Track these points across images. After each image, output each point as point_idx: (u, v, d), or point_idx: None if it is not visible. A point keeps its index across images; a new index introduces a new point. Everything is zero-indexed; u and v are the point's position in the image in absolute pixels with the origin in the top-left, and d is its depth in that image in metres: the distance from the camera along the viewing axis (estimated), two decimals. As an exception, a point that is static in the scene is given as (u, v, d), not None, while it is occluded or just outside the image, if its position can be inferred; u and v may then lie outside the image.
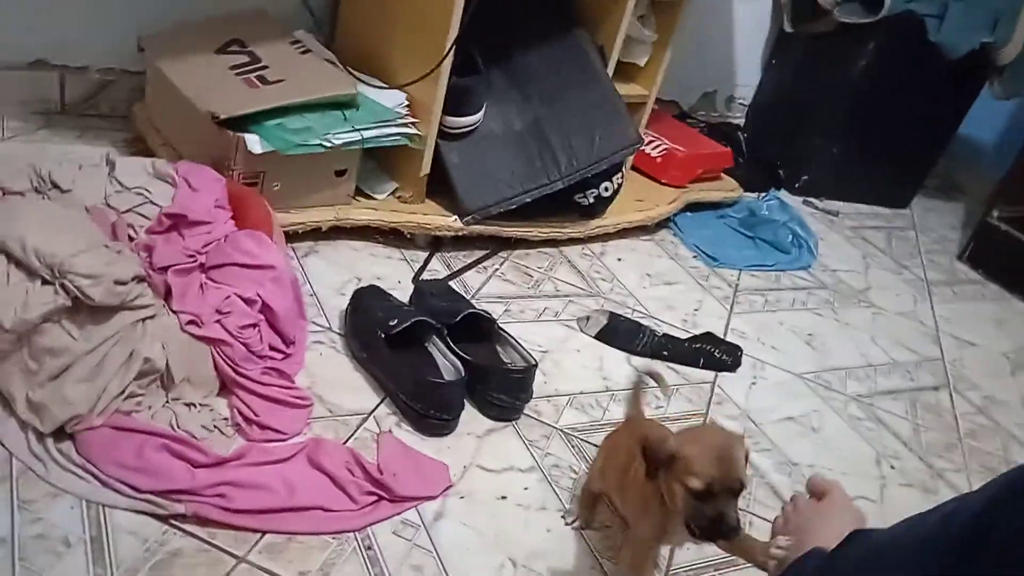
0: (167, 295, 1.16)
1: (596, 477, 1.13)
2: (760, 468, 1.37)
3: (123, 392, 1.05)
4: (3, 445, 1.00)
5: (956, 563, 0.59)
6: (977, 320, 2.18)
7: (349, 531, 1.04)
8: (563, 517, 1.16)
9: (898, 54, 2.44)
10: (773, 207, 2.25)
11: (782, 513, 0.90)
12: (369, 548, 1.04)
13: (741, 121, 2.83)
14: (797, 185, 2.61)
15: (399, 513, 1.09)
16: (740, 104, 2.91)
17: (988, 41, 2.40)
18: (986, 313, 2.24)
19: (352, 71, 1.60)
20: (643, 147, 2.13)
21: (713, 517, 0.87)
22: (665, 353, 1.59)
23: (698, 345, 1.62)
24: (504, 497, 1.17)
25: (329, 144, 1.44)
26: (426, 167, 1.64)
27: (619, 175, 1.88)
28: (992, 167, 2.81)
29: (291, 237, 1.52)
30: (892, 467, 1.49)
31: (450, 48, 1.52)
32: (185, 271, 1.19)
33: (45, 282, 1.02)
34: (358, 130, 1.49)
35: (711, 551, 1.04)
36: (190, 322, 1.14)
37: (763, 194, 2.37)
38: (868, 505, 1.38)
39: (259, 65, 1.53)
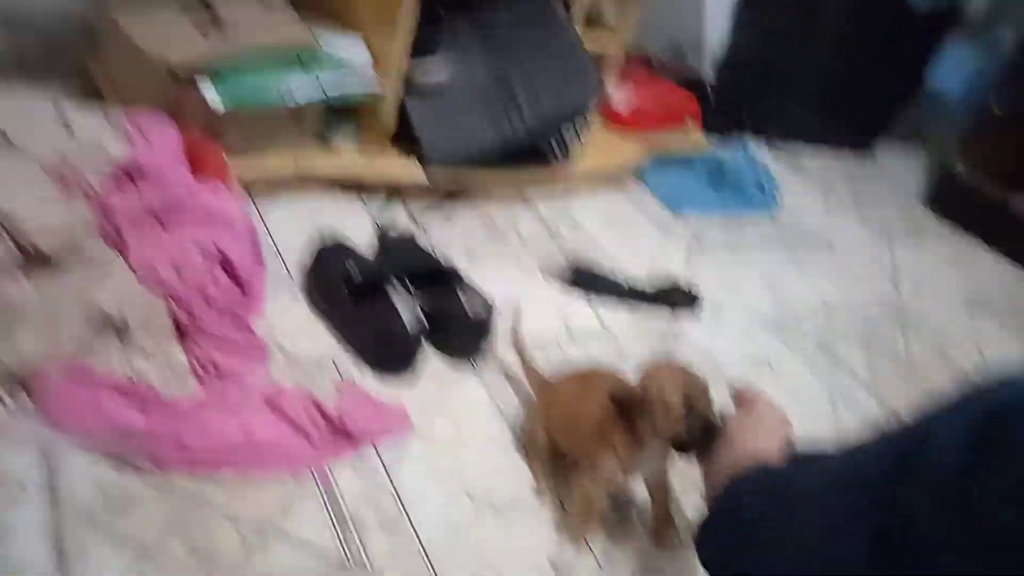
0: (122, 246, 1.17)
1: (539, 437, 1.17)
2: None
3: (78, 343, 1.06)
4: (-40, 395, 1.01)
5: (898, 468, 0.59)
6: (936, 265, 2.22)
7: (308, 472, 1.07)
8: (538, 496, 1.16)
9: (867, 4, 2.44)
10: (738, 154, 2.26)
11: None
12: (328, 488, 1.06)
13: (709, 70, 2.81)
14: (763, 132, 2.61)
15: (358, 455, 1.11)
16: (708, 54, 2.89)
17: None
18: (945, 258, 2.28)
19: (314, 23, 1.59)
20: (609, 98, 2.13)
21: (703, 427, 0.96)
22: (627, 298, 1.62)
23: (660, 290, 1.65)
24: (462, 437, 1.20)
25: (289, 97, 1.44)
26: (388, 117, 1.64)
27: (584, 124, 1.88)
28: (958, 116, 2.83)
29: (251, 188, 1.51)
30: (846, 405, 1.53)
31: (409, -3, 1.50)
32: (140, 222, 1.19)
33: (-4, 233, 1.02)
34: (319, 84, 1.48)
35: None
36: (145, 272, 1.14)
37: (728, 142, 2.38)
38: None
39: (215, 15, 1.51)
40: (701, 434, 0.96)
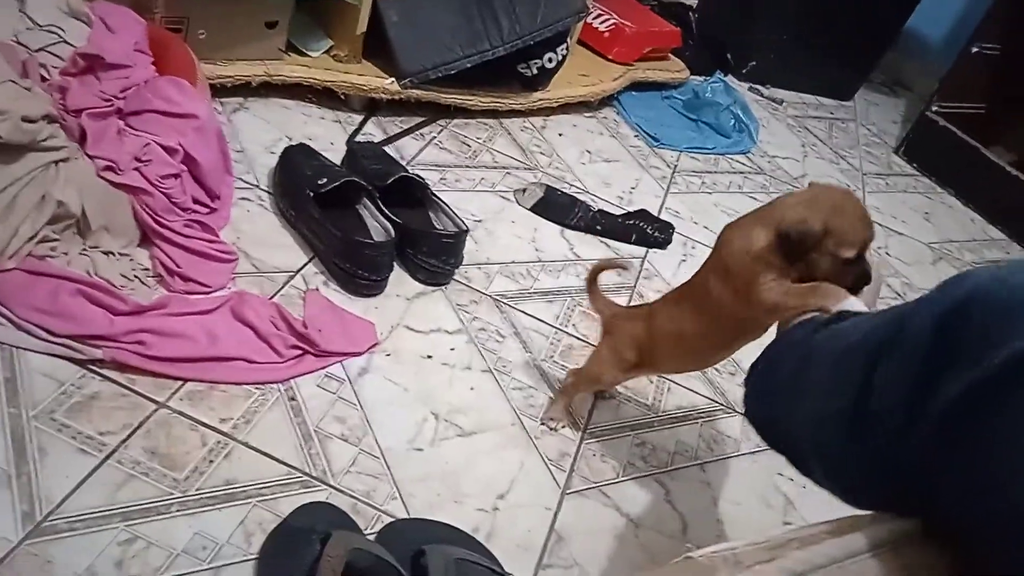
0: (82, 139, 1.11)
1: (615, 370, 1.11)
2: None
3: (35, 236, 1.02)
4: (-91, 285, 0.97)
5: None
6: (906, 211, 2.24)
7: (273, 382, 1.05)
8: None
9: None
10: (718, 90, 2.24)
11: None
12: (292, 399, 1.05)
13: (693, 2, 2.76)
14: (744, 71, 2.59)
15: (324, 367, 1.10)
16: (694, -17, 2.84)
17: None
18: (916, 205, 2.30)
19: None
20: (591, 21, 2.08)
21: (862, 275, 0.86)
22: (599, 228, 1.60)
23: (632, 222, 1.63)
24: (430, 356, 1.19)
25: (259, -9, 1.37)
26: (363, 24, 1.57)
27: (564, 47, 1.83)
28: (938, 63, 2.83)
29: (219, 91, 1.46)
30: (809, 343, 1.54)
31: None
32: (101, 115, 1.13)
33: (-53, 116, 0.97)
34: (291, -21, 1.42)
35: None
36: (107, 168, 1.10)
37: (709, 77, 2.34)
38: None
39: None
40: (856, 281, 0.85)
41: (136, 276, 1.09)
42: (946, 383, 0.55)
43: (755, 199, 1.98)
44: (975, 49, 2.42)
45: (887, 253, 1.98)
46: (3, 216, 0.99)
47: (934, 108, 2.50)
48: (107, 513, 0.85)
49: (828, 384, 0.69)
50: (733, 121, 2.19)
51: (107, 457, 0.89)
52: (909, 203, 2.30)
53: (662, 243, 1.64)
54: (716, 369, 1.38)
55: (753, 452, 1.26)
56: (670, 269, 1.60)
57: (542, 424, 1.15)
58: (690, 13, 2.56)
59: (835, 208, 0.86)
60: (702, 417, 1.29)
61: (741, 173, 2.07)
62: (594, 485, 1.11)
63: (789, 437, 0.73)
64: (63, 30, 1.20)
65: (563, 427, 1.16)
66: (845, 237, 0.85)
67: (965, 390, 0.53)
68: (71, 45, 1.19)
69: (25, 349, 0.96)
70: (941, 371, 0.56)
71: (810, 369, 0.71)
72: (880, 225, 2.09)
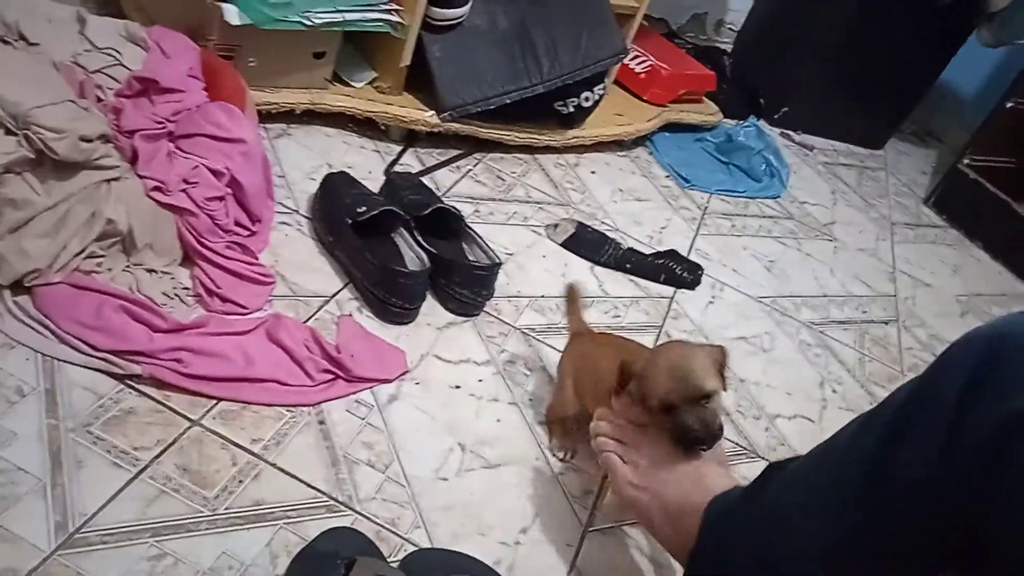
0: (133, 159, 1.15)
1: (569, 400, 1.15)
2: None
3: (83, 251, 1.05)
4: (-41, 293, 1.00)
5: (894, 432, 0.63)
6: (934, 262, 2.23)
7: (304, 405, 1.07)
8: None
9: (890, -8, 2.42)
10: (750, 134, 2.25)
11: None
12: (322, 423, 1.06)
13: (728, 46, 2.80)
14: (776, 116, 2.61)
15: (354, 392, 1.11)
16: (729, 29, 2.88)
17: (981, -14, 2.38)
18: (944, 257, 2.29)
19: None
20: (628, 62, 2.11)
21: (681, 429, 0.89)
22: (628, 266, 1.62)
23: (661, 261, 1.65)
24: (458, 387, 1.20)
25: (309, 22, 1.41)
26: (407, 58, 1.61)
27: (601, 86, 1.86)
28: (970, 116, 2.83)
29: (264, 117, 1.49)
30: (834, 391, 1.54)
31: (440, -66, 1.47)
32: (153, 137, 1.17)
33: (9, 132, 1.00)
34: (340, 11, 1.45)
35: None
36: (155, 188, 1.13)
37: (742, 121, 2.36)
38: (807, 425, 1.43)
39: (241, -66, 1.47)
40: (680, 436, 0.89)
41: (177, 294, 1.11)
42: (980, 421, 0.57)
43: (784, 244, 1.98)
44: (1010, 104, 2.42)
45: (913, 305, 1.98)
46: (54, 231, 1.02)
47: (966, 161, 2.50)
48: (138, 528, 0.86)
49: (823, 500, 0.71)
50: (764, 165, 2.21)
51: (140, 472, 0.91)
52: (938, 255, 2.29)
53: (691, 284, 1.65)
54: (740, 412, 1.38)
55: (776, 499, 1.25)
56: (698, 310, 1.60)
57: (554, 455, 1.16)
58: (725, 57, 2.59)
59: (655, 359, 0.94)
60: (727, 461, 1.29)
61: (771, 217, 2.08)
62: (616, 524, 1.11)
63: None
64: (120, 53, 1.24)
65: (570, 456, 1.16)
66: (648, 385, 0.91)
67: (1001, 425, 0.55)
68: (127, 68, 1.23)
69: (66, 362, 0.98)
70: (974, 412, 0.57)
71: (790, 517, 0.73)
72: (908, 276, 2.09)
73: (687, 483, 0.87)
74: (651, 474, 0.90)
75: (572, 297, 1.25)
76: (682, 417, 0.89)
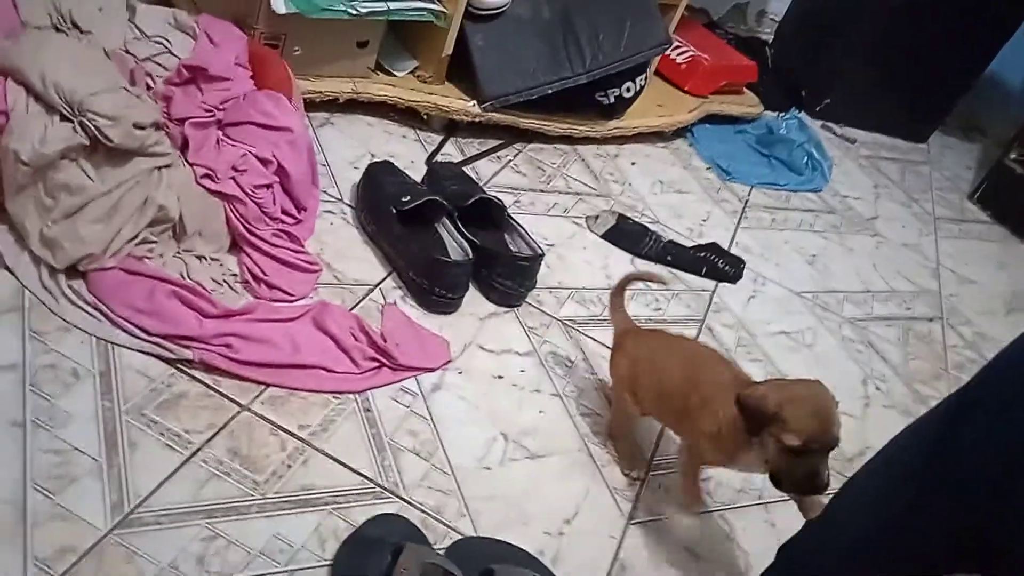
0: (183, 147, 1.16)
1: (633, 414, 1.12)
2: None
3: (136, 237, 1.06)
4: (16, 277, 1.02)
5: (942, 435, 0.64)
6: (979, 259, 2.19)
7: (350, 392, 1.08)
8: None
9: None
10: (792, 127, 2.23)
11: None
12: (368, 410, 1.07)
13: (770, 37, 2.76)
14: (818, 108, 2.57)
15: (399, 381, 1.12)
16: (771, 19, 2.84)
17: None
18: (989, 253, 2.25)
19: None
20: (669, 53, 2.09)
21: (806, 474, 0.88)
22: (669, 258, 1.61)
23: (703, 254, 1.63)
24: (500, 376, 1.20)
25: (354, 12, 1.41)
26: (449, 47, 1.61)
27: (642, 77, 1.85)
28: (1016, 110, 2.77)
29: (307, 106, 1.49)
30: (877, 388, 1.52)
31: (485, -77, 1.47)
32: (202, 125, 1.18)
33: (64, 118, 1.02)
34: (384, 0, 1.45)
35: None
36: (205, 176, 1.14)
37: (783, 113, 2.34)
38: (850, 422, 1.40)
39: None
40: (802, 480, 0.90)
41: (225, 281, 1.13)
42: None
43: (826, 238, 1.96)
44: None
45: (958, 302, 1.94)
46: (108, 216, 1.04)
47: (1012, 156, 2.45)
48: (191, 510, 0.87)
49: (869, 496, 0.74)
50: (806, 158, 2.18)
51: (192, 455, 0.93)
52: (982, 251, 2.25)
53: (732, 277, 1.64)
54: (783, 408, 1.37)
55: (819, 495, 1.24)
56: (739, 304, 1.59)
57: (626, 475, 1.14)
58: (766, 48, 2.56)
59: (796, 397, 0.90)
60: (768, 456, 1.28)
61: (812, 211, 2.06)
62: (659, 517, 1.11)
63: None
64: (169, 42, 1.26)
65: (638, 475, 1.14)
66: (789, 424, 0.88)
67: None
68: (176, 56, 1.24)
69: (120, 345, 1.00)
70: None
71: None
72: (952, 272, 2.06)
73: None
74: None
75: (620, 291, 1.20)
76: (816, 465, 0.88)
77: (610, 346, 1.20)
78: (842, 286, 1.80)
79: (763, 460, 0.93)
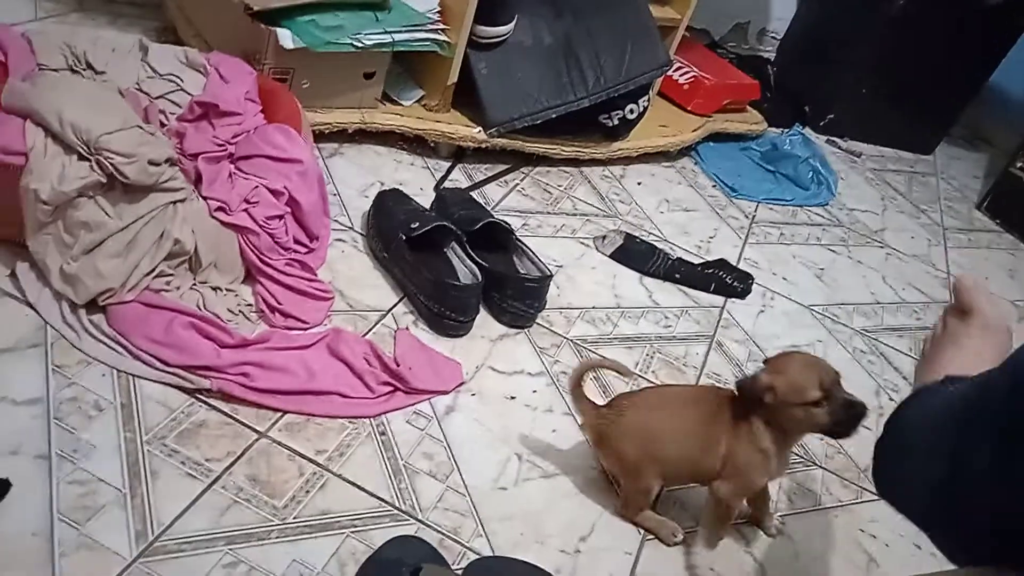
0: (197, 181, 1.19)
1: (653, 485, 1.07)
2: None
3: (153, 270, 1.09)
4: (38, 313, 1.05)
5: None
6: (989, 268, 2.19)
7: (365, 417, 1.09)
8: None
9: (936, -5, 2.39)
10: (796, 142, 2.24)
11: (932, 333, 0.89)
12: (383, 434, 1.08)
13: (772, 55, 2.79)
14: (822, 123, 2.59)
15: (413, 404, 1.14)
16: (772, 38, 2.87)
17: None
18: (999, 262, 2.26)
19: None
20: (671, 73, 2.12)
21: (846, 408, 0.97)
22: (677, 276, 1.62)
23: (711, 270, 1.65)
24: (513, 397, 1.22)
25: (359, 44, 1.44)
26: (454, 75, 1.64)
27: (645, 98, 1.87)
28: (1021, 118, 2.78)
29: (317, 137, 1.53)
30: (891, 399, 1.53)
31: (485, -45, 1.50)
32: (215, 159, 1.21)
33: (81, 157, 1.05)
34: (389, 32, 1.49)
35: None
36: (218, 208, 1.17)
37: (787, 129, 2.35)
38: (865, 433, 1.40)
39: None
40: (846, 418, 0.97)
41: (241, 311, 1.15)
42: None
43: (833, 251, 1.97)
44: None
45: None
46: (125, 252, 1.07)
47: (1019, 164, 2.46)
48: (213, 536, 0.89)
49: (926, 447, 0.70)
50: (811, 173, 2.20)
51: (213, 482, 0.94)
52: (992, 259, 2.26)
53: (741, 293, 1.65)
54: (796, 421, 1.38)
55: (834, 507, 1.25)
56: (749, 319, 1.60)
57: (670, 544, 1.09)
58: (768, 66, 2.59)
59: (782, 366, 1.00)
60: (782, 469, 1.28)
61: (819, 225, 2.07)
62: (674, 532, 1.11)
63: (906, 500, 0.74)
64: (181, 79, 1.29)
65: (681, 535, 1.09)
66: (794, 385, 0.97)
67: None
68: (188, 93, 1.28)
69: (140, 377, 1.02)
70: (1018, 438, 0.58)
71: (912, 432, 0.73)
72: (963, 281, 2.06)
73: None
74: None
75: (578, 382, 1.09)
76: (844, 397, 0.98)
77: (638, 371, 1.23)
78: (851, 298, 1.81)
79: (791, 438, 1.04)
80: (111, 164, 1.04)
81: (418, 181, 1.61)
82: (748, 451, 1.02)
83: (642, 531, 1.09)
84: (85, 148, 1.05)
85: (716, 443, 1.04)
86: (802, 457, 1.32)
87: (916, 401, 0.77)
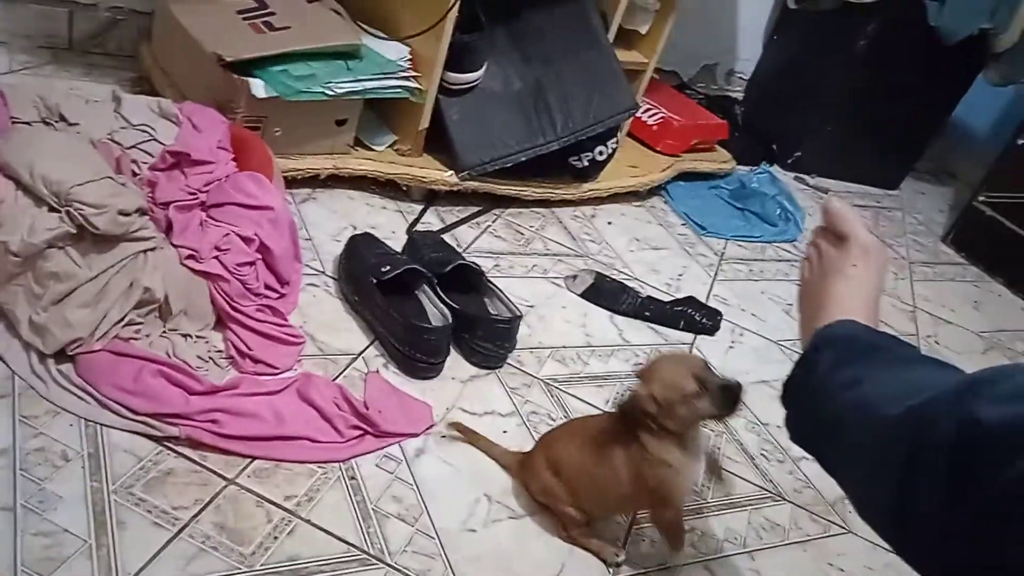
0: (168, 230, 1.21)
1: (578, 511, 1.10)
2: (731, 426, 1.43)
3: (123, 319, 1.10)
4: (6, 363, 1.05)
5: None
6: (955, 300, 2.24)
7: (334, 461, 1.10)
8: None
9: (898, 36, 2.46)
10: (763, 180, 2.29)
11: (807, 261, 0.90)
12: (353, 478, 1.09)
13: (740, 95, 2.86)
14: (790, 161, 2.65)
15: (383, 447, 1.14)
16: (740, 78, 2.94)
17: (987, 27, 2.42)
18: (964, 294, 2.30)
19: (357, 22, 1.63)
20: (640, 114, 2.17)
21: (723, 392, 0.99)
22: (647, 314, 1.64)
23: (680, 308, 1.67)
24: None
25: (331, 92, 1.47)
26: (425, 121, 1.67)
27: (614, 140, 1.91)
28: (985, 153, 2.85)
29: (290, 183, 1.55)
30: (858, 433, 1.55)
31: (454, 3, 1.54)
32: (186, 208, 1.23)
33: (52, 209, 1.06)
34: (360, 80, 1.52)
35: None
36: (189, 256, 1.18)
37: (755, 168, 2.40)
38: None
39: (266, 11, 1.55)
40: (726, 400, 0.99)
41: (211, 357, 1.16)
42: (970, 496, 0.58)
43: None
44: (1021, 141, 2.45)
45: (936, 342, 1.98)
46: (95, 301, 1.08)
47: (981, 198, 2.52)
48: (179, 585, 0.89)
49: (870, 468, 0.70)
50: (779, 210, 2.24)
51: (180, 531, 0.94)
52: (958, 292, 2.30)
53: (710, 329, 1.68)
54: (764, 455, 1.40)
55: (803, 541, 1.26)
56: (718, 355, 1.62)
57: (611, 564, 1.11)
58: (736, 106, 2.65)
59: (651, 373, 1.02)
60: (751, 504, 1.30)
61: (787, 261, 2.11)
62: (644, 570, 1.12)
63: (837, 478, 0.75)
64: (154, 129, 1.32)
65: (622, 556, 1.11)
66: (669, 385, 0.99)
67: (988, 502, 0.56)
68: (160, 143, 1.30)
69: (108, 426, 1.02)
70: (965, 485, 0.59)
71: (844, 435, 0.72)
72: (928, 314, 2.10)
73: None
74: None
75: (472, 434, 1.19)
76: (718, 381, 0.99)
77: (609, 409, 1.26)
78: (820, 333, 1.83)
79: (686, 438, 1.03)
80: (81, 215, 1.06)
81: (391, 225, 1.64)
82: (653, 471, 1.02)
83: (611, 570, 1.10)
84: (56, 200, 1.07)
85: (616, 473, 1.05)
86: (771, 492, 1.33)
87: (840, 373, 0.75)
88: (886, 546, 0.68)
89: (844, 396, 0.74)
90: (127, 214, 1.09)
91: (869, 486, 0.71)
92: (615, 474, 1.05)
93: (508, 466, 1.18)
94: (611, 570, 1.10)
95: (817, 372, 0.78)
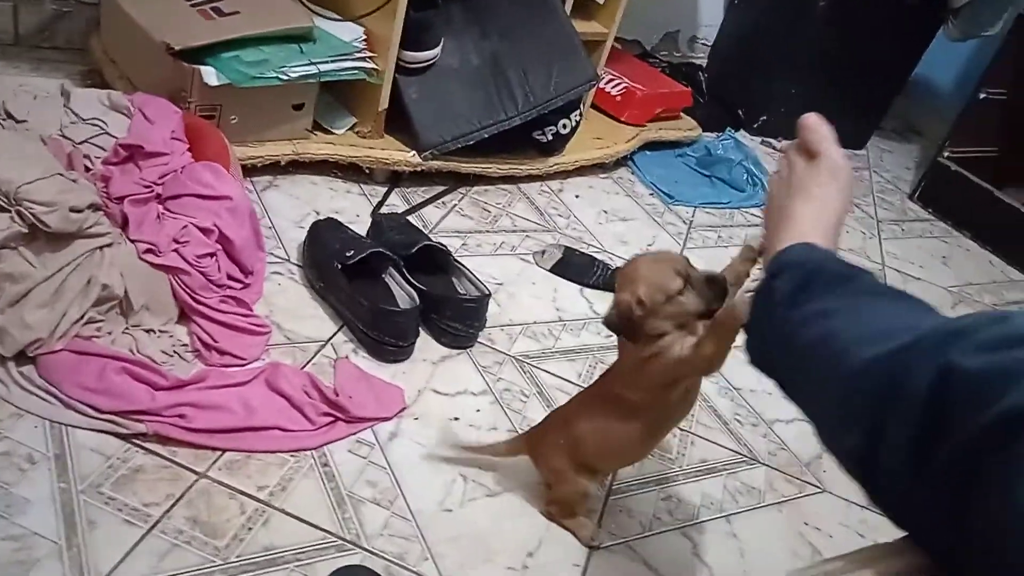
0: (124, 224, 1.19)
1: (580, 483, 1.08)
2: (704, 392, 1.44)
3: (82, 318, 1.08)
4: (-35, 368, 1.03)
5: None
6: (923, 256, 2.26)
7: (306, 449, 1.09)
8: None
9: (858, -6, 2.47)
10: (729, 146, 2.29)
11: (777, 174, 0.88)
12: (326, 465, 1.09)
13: (703, 62, 2.85)
14: (755, 125, 2.65)
15: (355, 433, 1.14)
16: (703, 44, 2.93)
17: (944, -18, 2.43)
18: (933, 249, 2.32)
19: (309, 4, 1.60)
20: (603, 85, 2.16)
21: (709, 285, 0.92)
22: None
23: (650, 278, 1.67)
24: (456, 418, 1.23)
25: (285, 77, 1.45)
26: (384, 102, 1.65)
27: (577, 112, 1.90)
28: (949, 109, 2.87)
29: (250, 171, 1.53)
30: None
31: (406, -19, 1.52)
32: (142, 201, 1.21)
33: (2, 209, 1.04)
34: (315, 63, 1.50)
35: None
36: (147, 251, 1.16)
37: (721, 134, 2.40)
38: (806, 427, 1.44)
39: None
40: (713, 293, 0.92)
41: (176, 352, 1.15)
42: (941, 446, 0.58)
43: (771, 251, 2.01)
44: (983, 95, 2.46)
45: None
46: (52, 300, 1.06)
47: (946, 154, 2.54)
48: (153, 582, 0.89)
49: (836, 410, 0.68)
50: (746, 175, 2.24)
51: (151, 527, 0.94)
52: (926, 248, 2.32)
53: (680, 299, 1.68)
54: (738, 420, 1.41)
55: (778, 503, 1.27)
56: (689, 324, 1.63)
57: (591, 546, 1.11)
58: (700, 72, 2.64)
59: (630, 276, 0.94)
60: (726, 469, 1.31)
61: (757, 225, 2.11)
62: (622, 540, 1.13)
63: (797, 404, 0.74)
64: (105, 123, 1.29)
65: (598, 539, 1.11)
66: (654, 284, 0.92)
67: (959, 451, 0.56)
68: (113, 136, 1.27)
69: (73, 426, 1.01)
70: (938, 434, 0.58)
71: (810, 369, 0.70)
72: (897, 271, 2.12)
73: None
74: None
75: (475, 451, 1.16)
76: (702, 275, 0.92)
77: (581, 382, 1.25)
78: (790, 296, 1.84)
79: (683, 324, 0.94)
80: (32, 214, 1.04)
81: (355, 208, 1.62)
82: (658, 360, 0.96)
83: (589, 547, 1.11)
84: (5, 200, 1.04)
85: (635, 410, 1.02)
86: (746, 456, 1.34)
87: (806, 304, 0.73)
88: (860, 502, 0.68)
89: (811, 329, 0.72)
90: (79, 211, 1.07)
91: (836, 425, 0.70)
92: (633, 410, 1.01)
93: (515, 451, 1.13)
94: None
95: (774, 299, 0.76)
